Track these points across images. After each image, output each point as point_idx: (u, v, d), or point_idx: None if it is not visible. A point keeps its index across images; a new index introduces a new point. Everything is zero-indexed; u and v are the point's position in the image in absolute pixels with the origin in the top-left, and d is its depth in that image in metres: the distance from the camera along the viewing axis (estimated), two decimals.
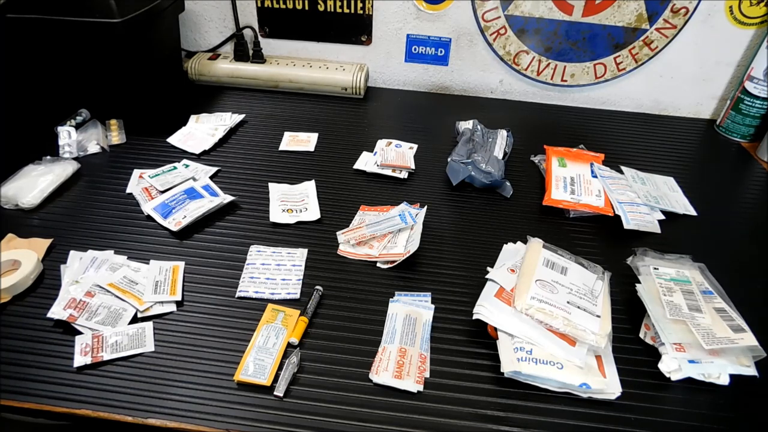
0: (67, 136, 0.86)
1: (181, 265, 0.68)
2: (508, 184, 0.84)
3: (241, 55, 1.09)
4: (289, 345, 0.59)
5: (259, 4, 1.07)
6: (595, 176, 0.85)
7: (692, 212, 0.82)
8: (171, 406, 0.52)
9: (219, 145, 0.92)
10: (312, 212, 0.77)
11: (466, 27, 1.05)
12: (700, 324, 0.57)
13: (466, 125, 0.95)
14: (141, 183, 0.81)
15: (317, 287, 0.65)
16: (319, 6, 1.05)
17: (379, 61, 1.12)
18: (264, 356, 0.56)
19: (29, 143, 0.88)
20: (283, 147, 0.93)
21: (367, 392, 0.55)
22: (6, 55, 0.84)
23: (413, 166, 0.88)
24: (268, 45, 1.12)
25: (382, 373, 0.56)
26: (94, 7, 0.79)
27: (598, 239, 0.76)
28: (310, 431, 0.51)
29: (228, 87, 1.10)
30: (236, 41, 1.08)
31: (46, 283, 0.65)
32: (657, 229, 0.77)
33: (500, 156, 0.88)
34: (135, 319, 0.61)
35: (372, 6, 1.05)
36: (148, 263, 0.68)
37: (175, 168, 0.84)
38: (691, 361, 0.56)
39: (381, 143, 0.94)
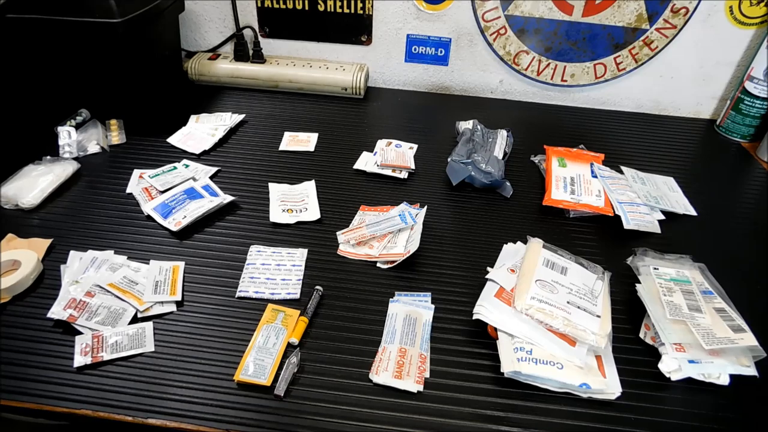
0: (67, 136, 0.86)
1: (181, 265, 0.68)
2: (508, 184, 0.84)
3: (241, 55, 1.09)
4: (289, 345, 0.59)
5: (259, 4, 1.07)
6: (595, 176, 0.85)
7: (692, 212, 0.82)
8: (171, 406, 0.52)
9: (219, 145, 0.92)
10: (312, 212, 0.77)
11: (466, 27, 1.05)
12: (700, 324, 0.57)
13: (466, 125, 0.95)
14: (141, 183, 0.81)
15: (317, 287, 0.65)
16: (319, 6, 1.05)
17: (379, 61, 1.12)
18: (264, 356, 0.56)
19: (29, 143, 0.88)
20: (283, 147, 0.93)
21: (367, 392, 0.55)
22: (6, 55, 0.84)
23: (413, 166, 0.88)
24: (268, 45, 1.12)
25: (382, 373, 0.56)
26: (94, 7, 0.79)
27: (598, 239, 0.76)
28: (310, 431, 0.51)
29: (228, 87, 1.10)
30: (236, 41, 1.08)
31: (46, 283, 0.65)
32: (657, 229, 0.77)
33: (500, 156, 0.88)
34: (135, 319, 0.61)
35: (372, 6, 1.05)
36: (148, 263, 0.68)
37: (175, 168, 0.84)
38: (691, 361, 0.56)
39: (381, 143, 0.94)
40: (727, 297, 0.62)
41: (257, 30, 1.10)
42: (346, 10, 1.05)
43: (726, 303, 0.61)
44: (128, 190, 0.80)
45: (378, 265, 0.70)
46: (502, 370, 0.55)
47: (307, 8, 1.06)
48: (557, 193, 0.81)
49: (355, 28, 1.08)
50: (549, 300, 0.58)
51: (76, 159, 0.85)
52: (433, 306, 0.64)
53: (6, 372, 0.55)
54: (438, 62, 1.11)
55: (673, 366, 0.56)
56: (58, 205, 0.77)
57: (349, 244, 0.72)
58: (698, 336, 0.56)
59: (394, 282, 0.68)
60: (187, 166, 0.85)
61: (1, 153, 0.84)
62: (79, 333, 0.58)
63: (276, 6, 1.06)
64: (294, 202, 0.79)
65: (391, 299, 0.65)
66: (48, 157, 0.83)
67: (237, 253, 0.70)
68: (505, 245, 0.73)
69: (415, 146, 0.94)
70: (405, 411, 0.53)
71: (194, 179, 0.82)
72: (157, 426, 0.51)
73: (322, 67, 1.09)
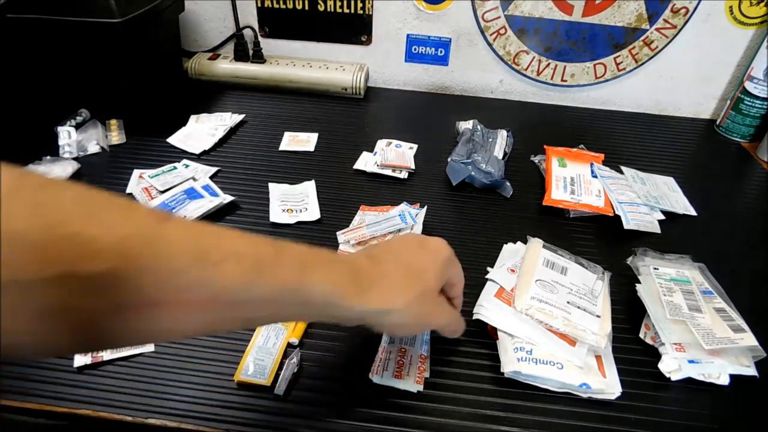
0: (67, 136, 0.86)
1: None
2: (508, 184, 0.84)
3: (241, 55, 1.09)
4: (289, 345, 0.59)
5: (259, 4, 1.07)
6: (595, 176, 0.85)
7: (692, 212, 0.82)
8: (171, 406, 0.52)
9: (219, 145, 0.92)
10: (312, 212, 0.77)
11: (466, 27, 1.05)
12: (700, 324, 0.57)
13: (466, 125, 0.95)
14: (141, 183, 0.81)
15: None
16: (319, 6, 1.06)
17: (379, 61, 1.12)
18: (264, 356, 0.56)
19: (29, 143, 0.88)
20: (283, 147, 0.93)
21: (367, 392, 0.55)
22: (6, 55, 0.84)
23: (413, 166, 0.88)
24: (268, 45, 1.12)
25: (383, 373, 0.56)
26: (94, 7, 0.79)
27: (598, 239, 0.76)
28: (310, 431, 0.51)
29: (228, 87, 1.10)
30: (236, 41, 1.08)
31: None
32: (657, 229, 0.77)
33: (500, 156, 0.88)
34: None
35: (372, 6, 1.05)
36: None
37: (175, 168, 0.84)
38: (691, 361, 0.56)
39: (381, 143, 0.94)
40: (727, 297, 0.62)
41: (257, 30, 1.10)
42: (346, 10, 1.05)
43: (726, 303, 0.61)
44: (128, 190, 0.80)
45: None
46: (502, 370, 0.55)
47: (307, 8, 1.06)
48: (557, 193, 0.81)
49: (355, 28, 1.08)
50: (549, 300, 0.58)
51: (76, 159, 0.85)
52: None
53: (6, 372, 0.55)
54: (438, 62, 1.11)
55: (673, 366, 0.56)
56: None
57: (349, 244, 0.72)
58: (698, 336, 0.56)
59: None
60: (187, 166, 0.85)
61: (0, 153, 0.84)
62: None
63: (276, 6, 1.06)
64: (294, 202, 0.79)
65: None
66: (48, 157, 0.83)
67: None
68: (505, 245, 0.73)
69: (415, 146, 0.94)
70: (405, 411, 0.53)
71: (194, 179, 0.82)
72: (157, 426, 0.51)
73: (322, 67, 1.09)
